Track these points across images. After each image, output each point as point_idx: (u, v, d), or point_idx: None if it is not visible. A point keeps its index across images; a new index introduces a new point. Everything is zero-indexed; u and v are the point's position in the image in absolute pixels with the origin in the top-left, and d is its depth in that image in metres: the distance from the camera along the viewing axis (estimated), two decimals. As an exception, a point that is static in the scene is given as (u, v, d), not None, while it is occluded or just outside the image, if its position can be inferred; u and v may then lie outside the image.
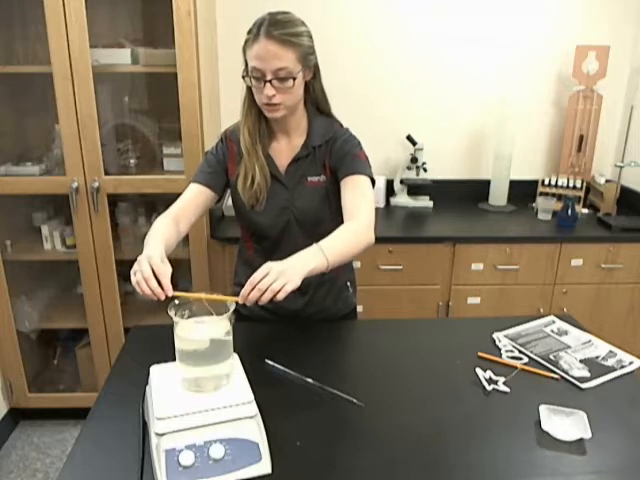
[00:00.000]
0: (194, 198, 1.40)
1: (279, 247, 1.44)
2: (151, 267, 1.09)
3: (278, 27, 1.21)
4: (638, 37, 2.60)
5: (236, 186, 1.40)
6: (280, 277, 1.05)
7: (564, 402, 1.09)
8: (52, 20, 1.87)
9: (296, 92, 1.29)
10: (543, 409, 1.07)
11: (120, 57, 2.02)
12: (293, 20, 1.25)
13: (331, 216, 1.42)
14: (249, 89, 1.33)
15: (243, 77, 1.29)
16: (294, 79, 1.25)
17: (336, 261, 1.17)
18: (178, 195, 2.06)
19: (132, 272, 1.11)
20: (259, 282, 1.04)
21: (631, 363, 1.28)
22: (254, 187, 1.37)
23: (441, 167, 2.68)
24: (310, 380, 1.16)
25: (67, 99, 1.96)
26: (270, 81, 1.23)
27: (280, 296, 1.04)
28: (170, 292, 1.07)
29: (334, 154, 1.39)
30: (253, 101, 1.33)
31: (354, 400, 1.10)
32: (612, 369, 1.26)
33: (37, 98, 2.27)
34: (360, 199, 1.31)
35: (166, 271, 1.10)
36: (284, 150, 1.41)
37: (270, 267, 1.07)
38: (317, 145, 1.39)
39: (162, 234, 1.27)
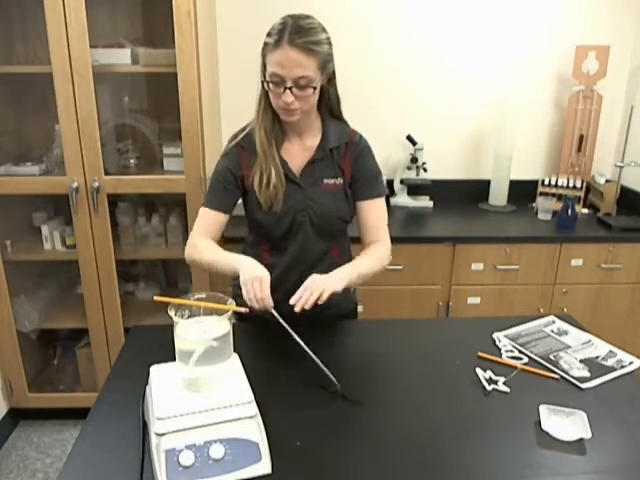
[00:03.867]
0: (212, 223, 1.43)
1: (289, 247, 1.44)
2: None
3: (302, 35, 1.20)
4: (638, 37, 2.60)
5: (253, 188, 1.39)
6: (323, 284, 1.23)
7: (564, 402, 1.09)
8: (52, 20, 1.87)
9: (314, 98, 1.30)
10: (543, 409, 1.07)
11: (120, 57, 2.02)
12: (315, 27, 1.25)
13: (346, 217, 1.46)
14: (264, 91, 1.32)
15: (262, 81, 1.29)
16: (314, 88, 1.26)
17: (359, 283, 1.39)
18: (178, 195, 2.06)
19: (246, 290, 1.23)
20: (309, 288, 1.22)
21: (631, 363, 1.28)
22: (270, 188, 1.36)
23: (441, 167, 2.68)
24: (300, 340, 1.18)
25: (67, 99, 1.95)
26: (290, 88, 1.23)
27: (324, 296, 1.21)
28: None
29: (357, 165, 1.42)
30: (269, 102, 1.32)
31: (334, 379, 1.13)
32: (612, 369, 1.26)
33: (37, 98, 2.27)
34: (382, 223, 1.48)
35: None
36: (297, 151, 1.41)
37: (314, 278, 1.25)
38: (334, 147, 1.40)
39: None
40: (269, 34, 1.24)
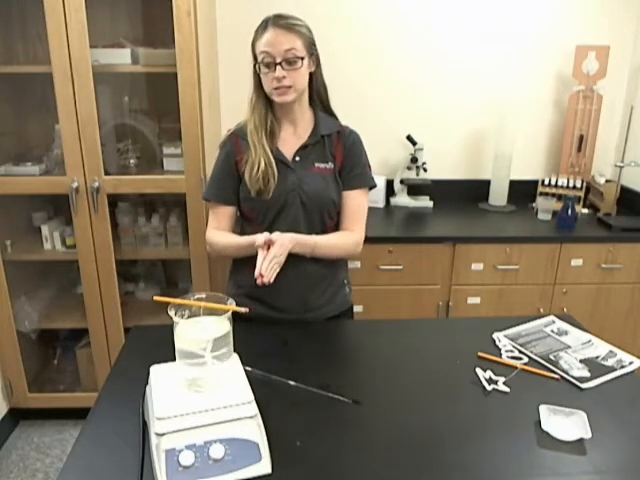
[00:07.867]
0: (223, 216, 1.51)
1: (280, 230, 1.43)
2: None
3: (283, 18, 1.37)
4: (638, 37, 2.60)
5: (244, 175, 1.45)
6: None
7: (564, 402, 1.09)
8: (52, 20, 1.87)
9: (304, 74, 1.39)
10: (543, 409, 1.07)
11: (120, 57, 2.02)
12: (295, 17, 1.40)
13: (335, 199, 1.48)
14: (256, 85, 1.43)
15: (254, 66, 1.39)
16: (302, 59, 1.36)
17: (315, 254, 1.44)
18: (178, 195, 2.06)
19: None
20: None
21: (631, 363, 1.28)
22: (259, 174, 1.41)
23: (441, 167, 2.68)
24: (292, 382, 1.17)
25: (67, 99, 1.95)
26: (280, 64, 1.34)
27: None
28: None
29: (349, 154, 1.49)
30: (260, 96, 1.43)
31: (340, 398, 1.11)
32: (612, 369, 1.26)
33: (37, 98, 2.27)
34: (360, 215, 1.52)
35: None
36: (290, 139, 1.48)
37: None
38: (326, 134, 1.48)
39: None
40: (257, 29, 1.39)
